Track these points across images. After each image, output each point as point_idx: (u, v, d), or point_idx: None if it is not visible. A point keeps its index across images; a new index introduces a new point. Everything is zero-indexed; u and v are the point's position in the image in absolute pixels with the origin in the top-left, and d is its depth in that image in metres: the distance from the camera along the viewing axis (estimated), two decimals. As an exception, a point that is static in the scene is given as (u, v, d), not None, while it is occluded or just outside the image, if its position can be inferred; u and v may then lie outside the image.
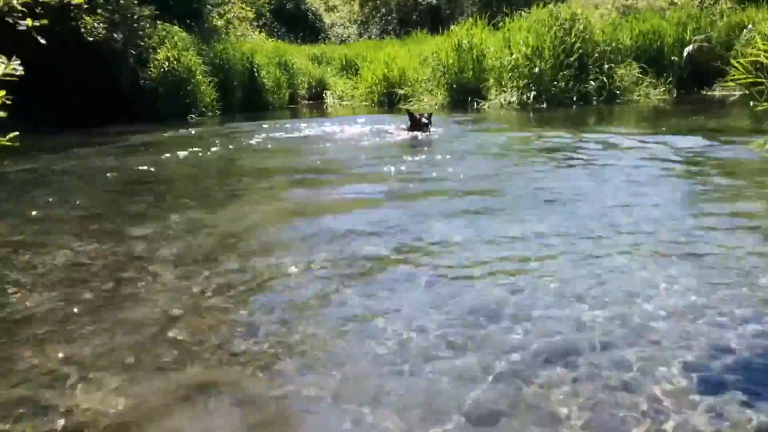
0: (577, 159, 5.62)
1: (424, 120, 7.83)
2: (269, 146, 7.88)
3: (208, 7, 15.64)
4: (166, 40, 12.53)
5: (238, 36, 17.06)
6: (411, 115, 8.16)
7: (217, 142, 8.17)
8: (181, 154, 7.09)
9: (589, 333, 2.12)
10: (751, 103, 6.09)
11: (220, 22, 16.81)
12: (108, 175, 6.01)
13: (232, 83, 13.96)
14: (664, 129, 7.51)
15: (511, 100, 11.97)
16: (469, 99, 12.51)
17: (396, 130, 8.25)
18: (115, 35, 11.81)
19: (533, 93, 11.68)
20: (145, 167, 6.32)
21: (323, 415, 1.74)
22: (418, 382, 1.87)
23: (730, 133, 6.65)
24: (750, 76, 5.68)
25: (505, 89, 12.34)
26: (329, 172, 5.78)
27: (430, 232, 3.38)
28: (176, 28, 13.07)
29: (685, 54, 11.79)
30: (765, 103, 5.55)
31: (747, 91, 5.96)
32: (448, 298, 2.48)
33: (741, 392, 1.74)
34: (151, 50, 12.47)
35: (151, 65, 12.30)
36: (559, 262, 2.82)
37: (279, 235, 3.62)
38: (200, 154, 7.18)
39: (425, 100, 13.71)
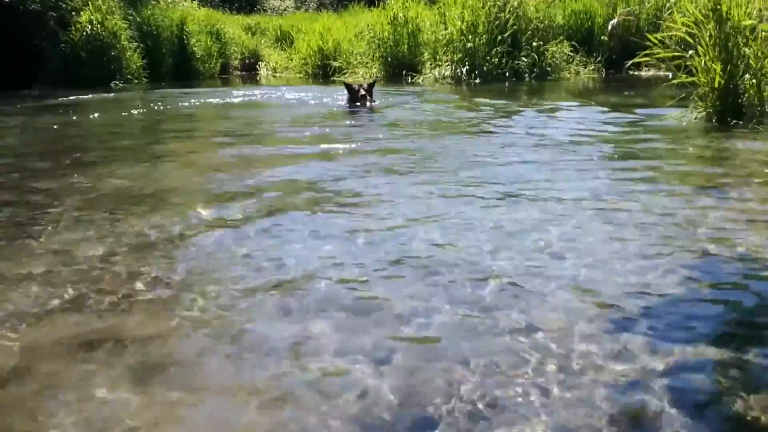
0: (501, 127, 5.70)
1: (362, 92, 7.22)
2: (193, 111, 7.61)
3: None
4: (89, 2, 11.87)
5: (168, 3, 16.38)
6: (348, 86, 7.53)
7: (139, 105, 7.83)
8: (99, 115, 6.75)
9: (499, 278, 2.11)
10: (669, 75, 6.32)
11: (149, -12, 16.12)
12: (14, 133, 5.65)
13: (161, 51, 13.43)
14: (590, 102, 7.70)
15: (446, 74, 12.01)
16: (404, 72, 12.47)
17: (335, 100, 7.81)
18: (33, -5, 11.13)
19: (467, 68, 11.75)
20: (57, 127, 5.97)
21: (210, 365, 1.66)
22: (318, 324, 1.81)
23: (650, 107, 6.87)
24: (665, 50, 5.90)
25: (439, 64, 12.37)
26: (251, 135, 5.62)
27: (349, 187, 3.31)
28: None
29: (609, 27, 12.03)
30: (682, 76, 5.77)
31: (670, 72, 6.17)
32: (360, 246, 2.43)
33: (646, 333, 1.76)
34: (73, 12, 11.81)
35: (73, 28, 11.65)
36: (476, 215, 2.81)
37: (193, 190, 3.47)
38: (122, 115, 6.86)
39: (360, 72, 13.59)
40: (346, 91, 7.49)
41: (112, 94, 9.74)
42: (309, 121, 6.49)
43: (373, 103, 7.21)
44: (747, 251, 2.29)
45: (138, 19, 12.94)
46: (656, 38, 5.87)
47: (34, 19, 11.27)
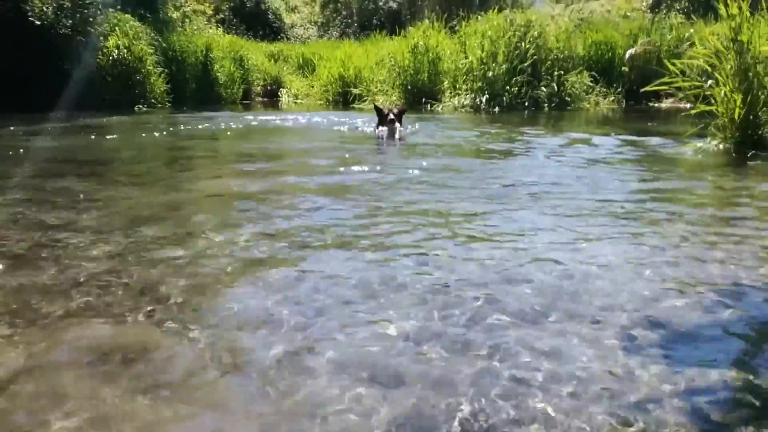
0: (526, 152, 5.67)
1: (391, 116, 6.94)
2: (220, 134, 7.71)
3: (164, -3, 15.38)
4: (116, 28, 12.19)
5: (194, 30, 16.75)
6: (378, 109, 7.23)
7: (159, 128, 7.96)
8: (118, 137, 6.87)
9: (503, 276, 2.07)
10: (689, 106, 6.26)
11: (175, 15, 16.53)
12: (39, 154, 5.75)
13: (185, 76, 13.69)
14: (608, 131, 7.65)
15: (465, 103, 12.06)
16: (423, 100, 12.55)
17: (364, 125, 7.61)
18: (64, 20, 11.45)
19: (486, 97, 11.79)
20: (80, 148, 6.08)
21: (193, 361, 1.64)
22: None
23: (669, 137, 6.80)
24: (684, 79, 5.85)
25: (459, 92, 12.44)
26: (276, 160, 5.66)
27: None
28: (128, 16, 12.74)
29: (627, 55, 12.03)
30: (701, 106, 5.71)
31: (689, 103, 6.11)
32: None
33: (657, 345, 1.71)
34: (101, 37, 12.12)
35: (100, 53, 11.94)
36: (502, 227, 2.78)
37: (208, 211, 3.49)
38: (142, 137, 6.97)
39: (380, 100, 13.70)
40: (375, 114, 7.27)
41: (133, 117, 9.91)
42: (339, 146, 6.52)
43: (402, 132, 6.92)
44: (754, 284, 2.22)
45: (164, 45, 13.22)
46: (675, 67, 5.84)
47: (63, 41, 11.57)
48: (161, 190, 4.11)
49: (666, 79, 5.82)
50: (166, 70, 12.92)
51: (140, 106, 11.98)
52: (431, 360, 1.68)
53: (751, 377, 1.59)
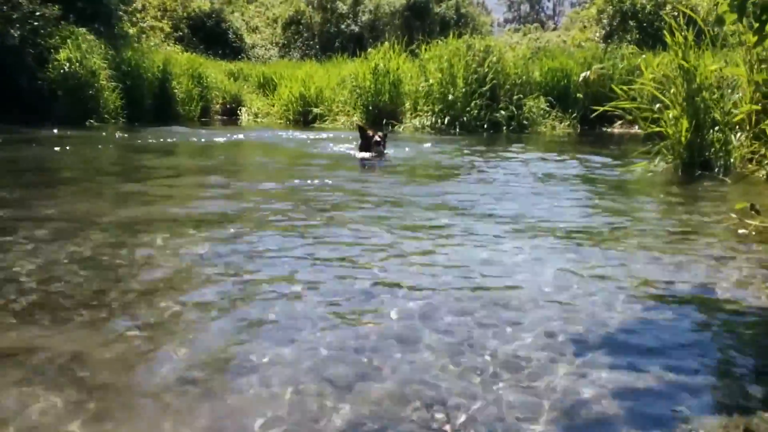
0: (476, 171, 5.70)
1: (377, 138, 6.51)
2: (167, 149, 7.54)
3: (119, 13, 15.07)
4: (68, 41, 11.87)
5: (151, 46, 16.48)
6: (362, 131, 6.77)
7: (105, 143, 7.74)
8: (66, 150, 6.64)
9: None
10: (641, 132, 6.41)
11: (132, 30, 16.25)
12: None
13: (141, 92, 13.39)
14: (564, 152, 7.77)
15: (426, 124, 12.15)
16: (384, 121, 12.58)
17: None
18: (12, 31, 11.12)
19: (447, 118, 11.91)
20: (23, 159, 5.85)
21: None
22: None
23: (620, 159, 6.93)
24: (635, 103, 6.02)
25: (420, 113, 12.53)
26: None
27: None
28: (82, 30, 12.43)
29: (581, 78, 12.33)
30: (650, 126, 5.85)
31: (642, 131, 6.27)
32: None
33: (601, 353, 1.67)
34: (51, 50, 11.78)
35: (50, 66, 11.60)
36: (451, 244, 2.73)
37: (149, 224, 3.36)
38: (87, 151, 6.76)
39: (341, 120, 13.69)
40: (359, 135, 6.78)
41: (81, 132, 9.66)
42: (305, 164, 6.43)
43: (386, 153, 6.54)
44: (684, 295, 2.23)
45: (117, 60, 12.94)
46: (624, 91, 5.99)
47: (11, 54, 11.21)
48: (101, 199, 3.96)
49: (619, 103, 5.95)
50: (120, 85, 12.62)
51: (92, 120, 11.64)
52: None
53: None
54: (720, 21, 2.26)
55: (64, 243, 2.74)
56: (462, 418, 1.39)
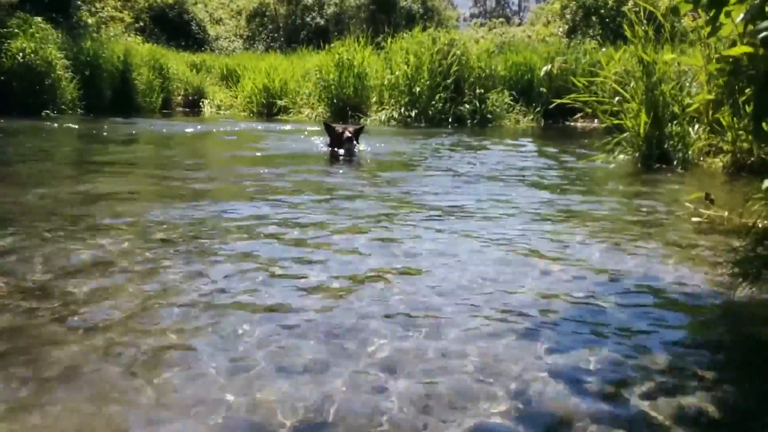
0: (436, 164, 5.71)
1: (347, 134, 5.97)
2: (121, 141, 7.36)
3: (78, 2, 14.67)
4: (23, 30, 11.49)
5: (111, 36, 16.06)
6: (330, 128, 6.21)
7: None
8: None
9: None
10: (596, 122, 6.51)
11: (91, 20, 15.83)
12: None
13: (100, 82, 13.05)
14: (527, 144, 7.85)
15: (392, 117, 12.13)
16: (350, 114, 12.51)
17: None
18: (-38, 19, 10.73)
19: (414, 112, 11.91)
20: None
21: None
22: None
23: (582, 150, 7.03)
24: (596, 96, 6.11)
25: (385, 107, 12.50)
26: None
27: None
28: (37, 18, 12.04)
29: (543, 72, 12.48)
30: (610, 119, 5.94)
31: (603, 123, 6.37)
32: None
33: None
34: (4, 39, 11.38)
35: (4, 55, 11.21)
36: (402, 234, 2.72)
37: (103, 214, 3.26)
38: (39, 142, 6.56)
39: (306, 112, 13.59)
40: (326, 132, 6.29)
41: (36, 122, 9.39)
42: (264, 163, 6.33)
43: (359, 151, 6.03)
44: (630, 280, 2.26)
45: (75, 50, 12.58)
46: (585, 85, 6.07)
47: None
48: (47, 189, 3.84)
49: (578, 96, 6.02)
50: (78, 76, 12.28)
51: (48, 111, 11.30)
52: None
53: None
54: (675, 11, 2.29)
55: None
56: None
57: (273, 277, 2.20)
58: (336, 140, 6.04)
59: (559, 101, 6.12)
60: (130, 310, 1.87)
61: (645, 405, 1.40)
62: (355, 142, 5.95)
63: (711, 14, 2.07)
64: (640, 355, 1.66)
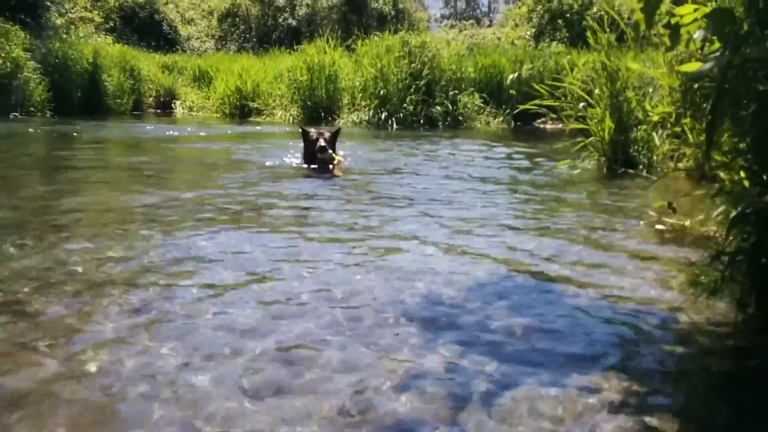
0: (407, 168, 5.83)
1: (322, 142, 5.40)
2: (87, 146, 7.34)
3: (47, 3, 14.46)
4: (-12, 31, 11.33)
5: (81, 37, 15.86)
6: (305, 134, 5.63)
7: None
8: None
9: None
10: (561, 126, 6.70)
11: (59, 21, 15.61)
12: None
13: (69, 84, 12.91)
14: (496, 146, 8.02)
15: (364, 119, 12.20)
16: (322, 115, 12.57)
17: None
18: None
19: (385, 114, 12.01)
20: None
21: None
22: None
23: (549, 153, 7.22)
24: (560, 101, 6.29)
25: (357, 108, 12.57)
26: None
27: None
28: (2, 19, 11.87)
29: (509, 80, 12.72)
30: (574, 123, 6.12)
31: (568, 127, 6.56)
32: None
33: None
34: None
35: (-30, 57, 11.05)
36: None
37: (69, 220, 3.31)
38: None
39: (278, 114, 13.60)
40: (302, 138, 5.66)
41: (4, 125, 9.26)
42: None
43: (337, 160, 5.48)
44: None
45: (43, 50, 12.43)
46: (550, 90, 6.24)
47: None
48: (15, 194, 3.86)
49: (542, 102, 6.20)
50: (46, 78, 12.14)
51: (16, 113, 11.15)
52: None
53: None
54: (635, 26, 2.43)
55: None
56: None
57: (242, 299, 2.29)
58: (310, 148, 5.50)
59: (523, 107, 6.28)
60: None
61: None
62: (330, 151, 5.42)
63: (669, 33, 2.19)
64: (580, 376, 1.69)
